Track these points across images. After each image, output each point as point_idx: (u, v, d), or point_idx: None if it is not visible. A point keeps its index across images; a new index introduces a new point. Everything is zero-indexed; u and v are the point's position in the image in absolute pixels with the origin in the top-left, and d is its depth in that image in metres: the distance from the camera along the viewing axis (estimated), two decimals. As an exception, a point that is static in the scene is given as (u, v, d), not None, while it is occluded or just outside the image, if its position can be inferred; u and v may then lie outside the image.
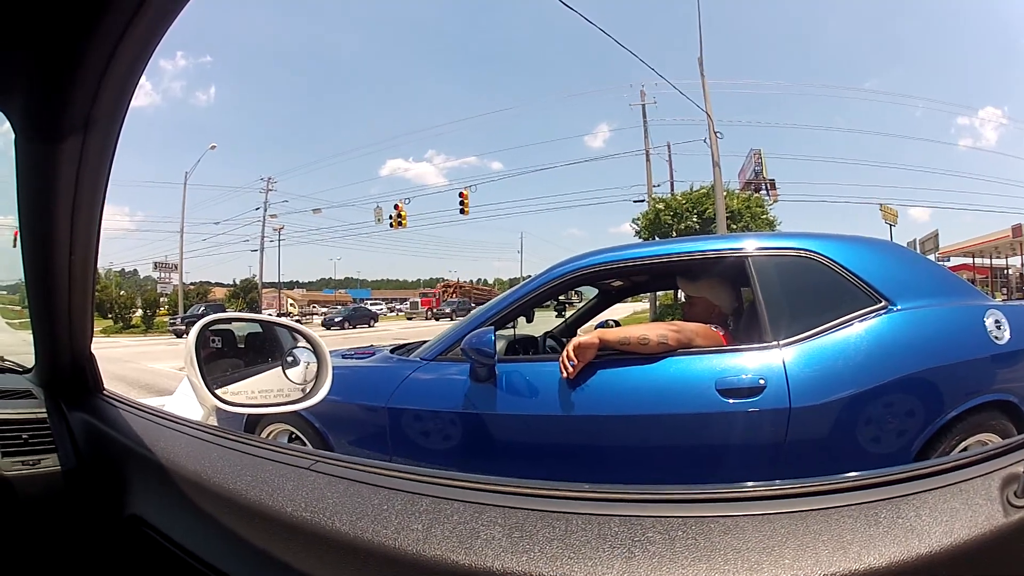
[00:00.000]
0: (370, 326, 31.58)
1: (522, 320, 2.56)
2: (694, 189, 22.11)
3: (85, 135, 0.55)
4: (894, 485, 0.51)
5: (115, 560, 0.91)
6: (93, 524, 0.94)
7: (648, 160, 26.09)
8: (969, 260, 27.40)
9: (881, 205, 28.41)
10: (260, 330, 1.17)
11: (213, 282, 47.19)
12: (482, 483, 0.60)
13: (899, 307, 1.92)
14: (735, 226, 19.73)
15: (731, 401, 1.77)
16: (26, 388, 1.08)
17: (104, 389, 1.04)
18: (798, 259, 2.05)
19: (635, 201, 25.25)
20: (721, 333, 2.00)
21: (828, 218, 55.83)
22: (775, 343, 1.84)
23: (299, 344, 1.17)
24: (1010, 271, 27.21)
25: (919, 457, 1.77)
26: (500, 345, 2.23)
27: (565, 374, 1.81)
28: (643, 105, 26.05)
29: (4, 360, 1.22)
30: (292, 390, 1.13)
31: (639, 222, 22.67)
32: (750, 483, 0.54)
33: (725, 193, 19.69)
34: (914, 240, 21.72)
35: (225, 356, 1.12)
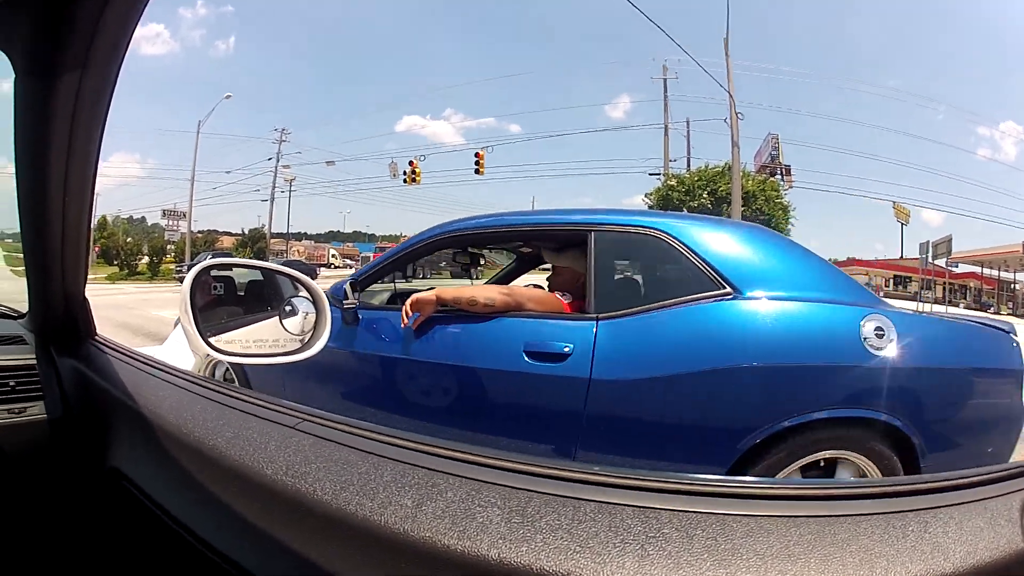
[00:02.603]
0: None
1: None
2: (709, 167, 22.08)
3: (82, 73, 0.54)
4: (919, 496, 0.49)
5: (93, 513, 0.88)
6: (74, 475, 0.91)
7: (666, 135, 25.96)
8: (977, 269, 27.24)
9: (894, 203, 28.15)
10: (260, 278, 1.11)
11: (221, 231, 46.89)
12: (481, 456, 0.56)
13: (746, 296, 1.79)
14: (748, 209, 19.70)
15: (533, 363, 1.83)
16: (17, 334, 1.05)
17: (96, 335, 1.01)
18: (643, 237, 2.00)
19: (651, 174, 25.61)
20: (567, 302, 2.05)
21: (841, 210, 55.46)
22: (595, 316, 1.85)
23: (299, 294, 1.11)
24: (1017, 286, 27.26)
25: (743, 462, 1.62)
26: (385, 297, 2.69)
27: (403, 324, 2.03)
28: (664, 79, 25.78)
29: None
30: (289, 341, 1.09)
31: (651, 197, 22.83)
32: (775, 480, 0.50)
33: (741, 174, 19.63)
34: (927, 242, 21.48)
35: (222, 304, 1.07)
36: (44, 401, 0.96)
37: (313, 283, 1.13)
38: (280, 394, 2.65)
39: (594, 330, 1.82)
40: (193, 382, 0.85)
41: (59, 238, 0.79)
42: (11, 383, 0.96)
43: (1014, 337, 1.91)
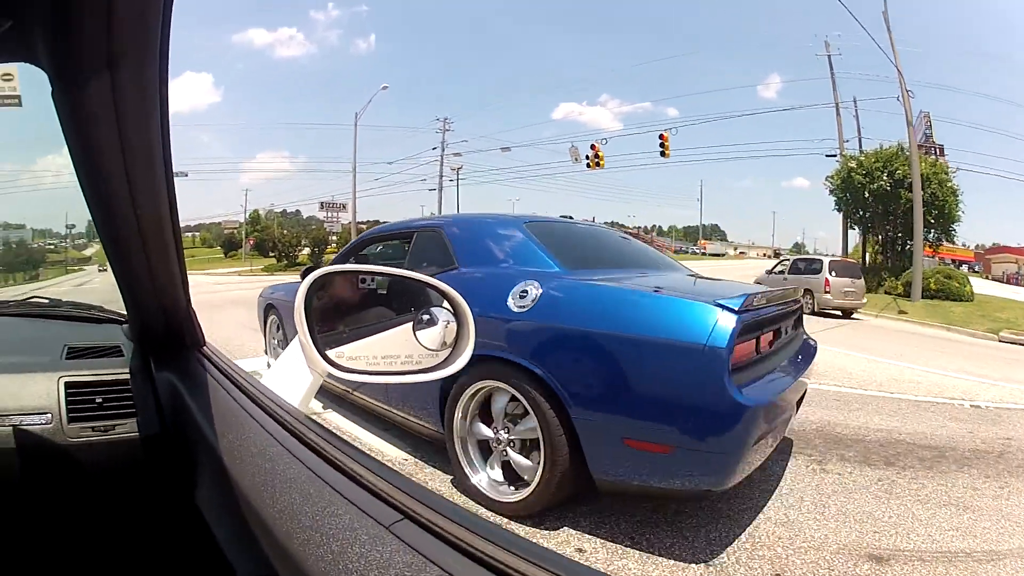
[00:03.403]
0: None
1: None
2: (883, 148, 21.25)
3: (112, 74, 0.49)
4: None
5: (172, 545, 0.83)
6: (160, 504, 0.86)
7: (838, 114, 24.00)
8: None
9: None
10: (389, 283, 0.92)
11: (382, 221, 50.04)
12: None
13: (461, 269, 2.67)
14: (925, 193, 17.61)
15: None
16: (115, 344, 1.05)
17: (203, 346, 0.94)
18: (431, 233, 3.01)
19: (828, 155, 25.17)
20: None
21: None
22: None
23: (436, 302, 0.92)
24: None
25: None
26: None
27: None
28: (829, 56, 23.80)
29: (104, 310, 1.21)
30: (424, 356, 0.91)
31: (833, 180, 22.20)
32: None
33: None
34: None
35: (345, 313, 0.92)
36: (137, 418, 0.92)
37: (453, 291, 0.92)
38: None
39: None
40: (287, 419, 0.72)
41: (139, 247, 0.72)
42: (97, 399, 0.94)
43: (719, 313, 1.86)
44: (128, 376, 0.95)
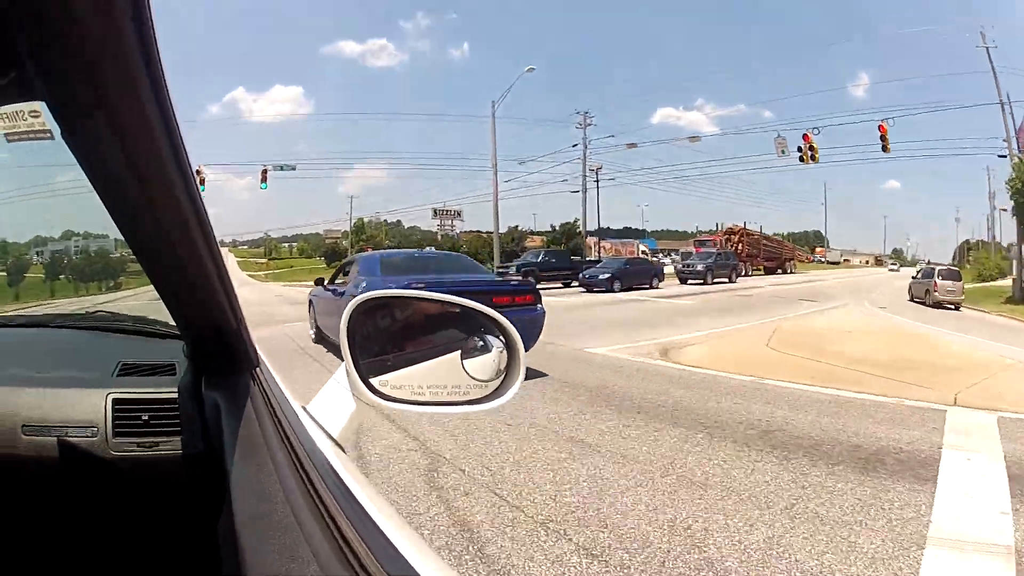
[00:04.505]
0: (652, 287, 21.28)
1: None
2: None
3: (106, 113, 0.46)
4: None
5: (191, 570, 0.82)
6: (189, 524, 0.84)
7: (1005, 112, 23.14)
8: None
9: None
10: (435, 309, 0.87)
11: (516, 227, 42.86)
12: None
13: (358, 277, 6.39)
14: None
15: None
16: (169, 362, 1.08)
17: (257, 367, 0.91)
18: (353, 260, 7.72)
19: (1000, 156, 24.03)
20: None
21: None
22: None
23: (485, 330, 0.87)
24: None
25: None
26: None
27: None
28: (987, 48, 22.74)
29: (169, 326, 1.23)
30: (472, 387, 0.86)
31: (1012, 184, 21.06)
32: None
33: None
34: None
35: (390, 338, 0.90)
36: (182, 437, 0.93)
37: (503, 318, 0.87)
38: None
39: None
40: (307, 470, 0.66)
41: (178, 269, 0.68)
42: (144, 416, 0.95)
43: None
44: (176, 395, 0.96)
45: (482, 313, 0.85)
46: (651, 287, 21.01)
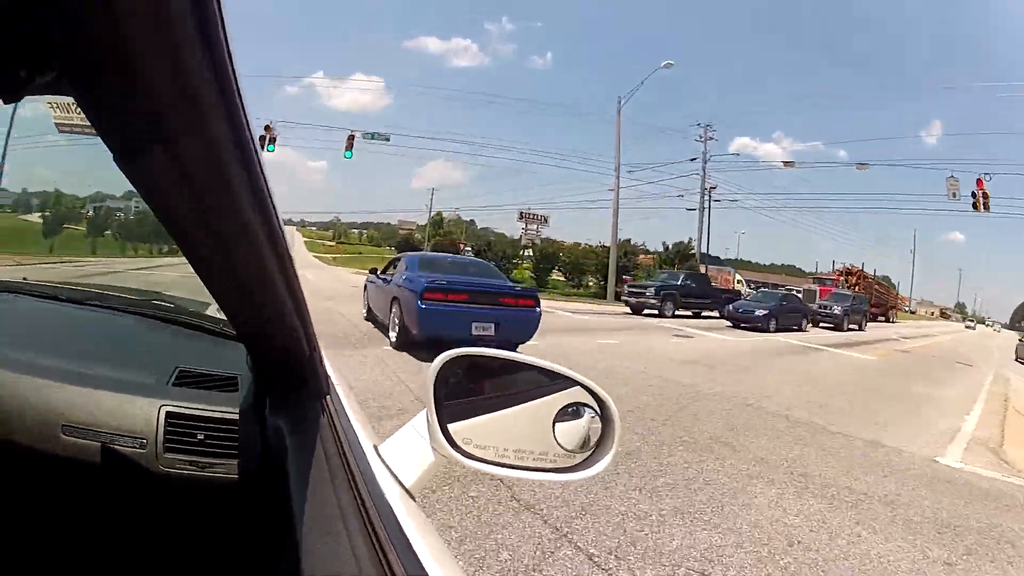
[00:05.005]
0: (802, 328, 19.10)
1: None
2: None
3: (170, 146, 0.38)
4: None
5: None
6: (238, 556, 0.79)
7: None
8: None
9: None
10: (529, 370, 0.82)
11: (629, 240, 38.49)
12: None
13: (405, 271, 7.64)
14: None
15: None
16: (231, 375, 1.01)
17: (327, 395, 0.82)
18: (400, 257, 8.92)
19: None
20: None
21: None
22: None
23: (577, 398, 0.80)
24: None
25: None
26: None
27: None
28: None
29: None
30: (560, 456, 0.78)
31: None
32: None
33: None
34: None
35: (479, 395, 0.81)
36: (239, 461, 0.88)
37: (600, 389, 0.80)
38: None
39: None
40: (372, 521, 0.60)
41: (252, 306, 0.62)
42: (199, 435, 0.90)
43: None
44: (237, 416, 0.90)
45: (577, 382, 0.79)
46: (800, 329, 18.72)
